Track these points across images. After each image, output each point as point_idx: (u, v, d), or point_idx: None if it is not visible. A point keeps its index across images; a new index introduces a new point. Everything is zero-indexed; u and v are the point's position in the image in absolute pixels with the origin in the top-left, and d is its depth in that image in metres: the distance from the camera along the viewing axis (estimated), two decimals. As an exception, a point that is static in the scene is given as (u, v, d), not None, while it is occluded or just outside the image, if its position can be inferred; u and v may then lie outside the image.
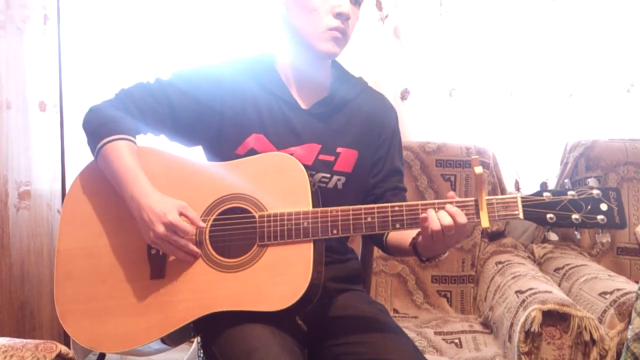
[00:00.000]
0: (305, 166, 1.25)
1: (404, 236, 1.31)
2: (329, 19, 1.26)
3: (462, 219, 1.14)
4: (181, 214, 1.21)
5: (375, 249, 1.65)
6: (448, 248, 1.20)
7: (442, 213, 1.15)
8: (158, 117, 1.32)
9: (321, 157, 1.34)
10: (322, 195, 1.27)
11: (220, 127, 1.33)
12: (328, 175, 1.35)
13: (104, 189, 1.31)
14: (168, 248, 1.21)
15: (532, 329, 1.50)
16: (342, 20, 1.27)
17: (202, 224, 1.23)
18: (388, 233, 1.39)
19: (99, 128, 1.28)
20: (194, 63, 1.39)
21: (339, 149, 1.36)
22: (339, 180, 1.35)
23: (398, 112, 1.50)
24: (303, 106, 1.36)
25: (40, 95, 2.26)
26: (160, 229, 1.18)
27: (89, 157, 1.33)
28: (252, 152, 1.31)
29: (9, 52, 2.16)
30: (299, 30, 1.30)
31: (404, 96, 2.36)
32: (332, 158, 1.35)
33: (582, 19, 2.26)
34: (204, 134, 1.35)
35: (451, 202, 1.16)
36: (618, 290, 1.64)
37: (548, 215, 1.13)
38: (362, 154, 1.38)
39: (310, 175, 1.26)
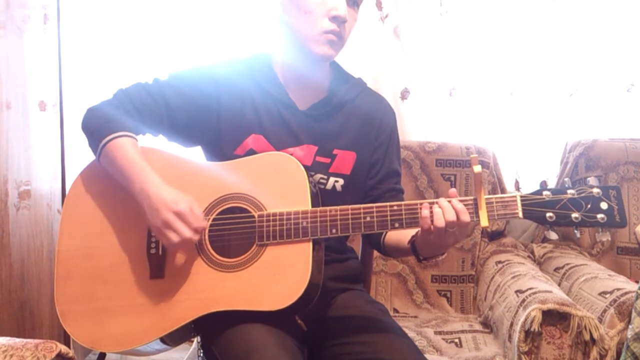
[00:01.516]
0: (305, 167, 1.24)
1: (402, 236, 1.31)
2: (325, 22, 1.25)
3: (465, 217, 1.14)
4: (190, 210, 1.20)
5: (375, 248, 1.65)
6: (446, 247, 1.19)
7: (447, 208, 1.14)
8: (156, 117, 1.32)
9: (318, 158, 1.34)
10: (321, 197, 1.27)
11: (218, 128, 1.33)
12: (325, 177, 1.35)
13: (104, 189, 1.31)
14: (171, 237, 1.17)
15: (532, 329, 1.50)
16: (338, 24, 1.26)
17: (205, 223, 1.22)
18: (386, 234, 1.39)
19: (99, 128, 1.28)
20: (192, 63, 1.39)
21: (335, 151, 1.35)
22: (336, 182, 1.35)
23: (398, 111, 1.50)
24: (300, 107, 1.35)
25: (40, 95, 2.27)
26: (169, 215, 1.16)
27: (89, 157, 1.33)
28: (251, 152, 1.31)
29: (9, 52, 2.16)
30: (295, 32, 1.29)
31: (404, 96, 2.36)
32: (328, 160, 1.35)
33: (582, 19, 2.26)
34: (202, 134, 1.35)
35: (450, 201, 1.16)
36: (618, 289, 1.64)
37: (548, 214, 1.12)
38: (360, 155, 1.38)
39: (310, 176, 1.26)
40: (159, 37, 2.38)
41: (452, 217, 1.13)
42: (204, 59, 1.44)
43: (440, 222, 1.13)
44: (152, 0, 2.37)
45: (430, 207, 1.15)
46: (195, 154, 1.39)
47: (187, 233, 1.17)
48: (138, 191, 1.22)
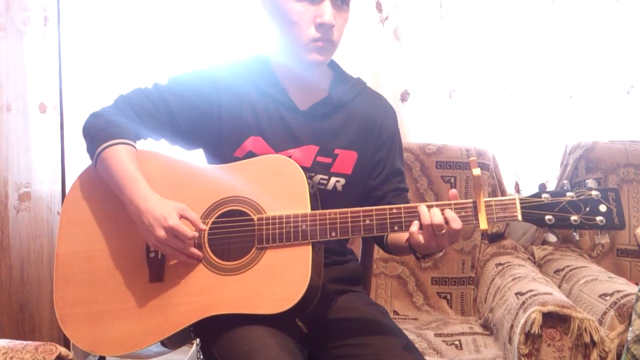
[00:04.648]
0: (304, 168, 1.24)
1: (402, 234, 1.31)
2: (311, 30, 1.24)
3: (456, 224, 1.14)
4: (182, 217, 1.21)
5: (375, 249, 1.65)
6: (442, 248, 1.19)
7: (434, 210, 1.14)
8: (157, 122, 1.32)
9: (319, 158, 1.34)
10: (322, 197, 1.26)
11: (218, 131, 1.33)
12: (326, 177, 1.35)
13: (103, 193, 1.30)
14: (170, 252, 1.22)
15: (532, 331, 1.50)
16: (326, 30, 1.25)
17: (203, 226, 1.23)
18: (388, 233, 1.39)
19: (97, 134, 1.28)
20: (191, 66, 1.39)
21: (336, 151, 1.35)
22: (337, 182, 1.35)
23: (398, 113, 1.50)
24: (301, 107, 1.35)
25: (41, 97, 2.27)
26: (161, 233, 1.18)
27: (89, 160, 1.33)
28: (250, 154, 1.31)
29: (9, 54, 2.17)
30: (285, 40, 1.29)
31: (404, 98, 2.36)
32: (329, 160, 1.35)
33: (581, 21, 2.26)
34: (203, 137, 1.35)
35: (449, 204, 1.16)
36: (618, 292, 1.64)
37: (547, 217, 1.12)
38: (361, 155, 1.38)
39: (309, 177, 1.26)
40: (159, 39, 2.38)
41: (438, 219, 1.13)
42: (204, 61, 1.44)
43: (426, 220, 1.13)
44: (152, 2, 2.38)
45: (418, 208, 1.15)
46: (196, 157, 1.40)
47: (180, 247, 1.20)
48: (128, 204, 1.23)
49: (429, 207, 1.15)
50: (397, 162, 1.45)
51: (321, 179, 1.34)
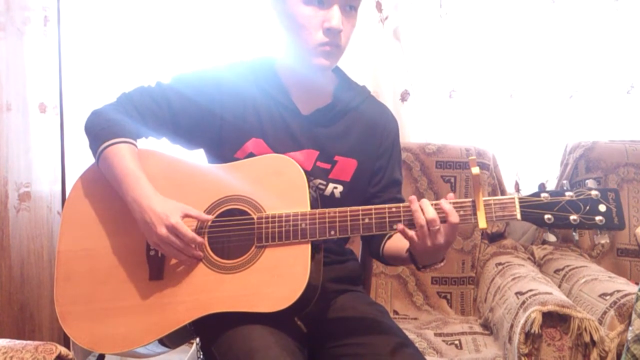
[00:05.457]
0: (305, 171, 1.24)
1: (401, 244, 1.31)
2: (319, 35, 1.24)
3: (454, 218, 1.14)
4: (185, 215, 1.21)
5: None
6: (440, 250, 1.19)
7: (425, 206, 1.14)
8: (159, 120, 1.33)
9: (319, 163, 1.34)
10: (320, 203, 1.26)
11: (220, 131, 1.34)
12: (324, 183, 1.35)
13: (105, 191, 1.31)
14: (170, 251, 1.21)
15: (532, 331, 1.50)
16: (333, 35, 1.25)
17: (208, 216, 1.23)
18: (385, 243, 1.39)
19: (100, 132, 1.29)
20: (194, 66, 1.39)
21: (336, 157, 1.35)
22: (335, 188, 1.35)
23: (398, 113, 1.50)
24: (303, 112, 1.35)
25: (41, 96, 2.27)
26: (162, 231, 1.18)
27: (90, 159, 1.33)
28: (251, 156, 1.31)
29: (9, 54, 2.16)
30: (292, 43, 1.29)
31: (404, 97, 2.36)
32: (328, 166, 1.35)
33: (581, 21, 2.26)
34: (204, 137, 1.36)
35: (449, 203, 1.16)
36: (618, 291, 1.64)
37: (546, 216, 1.12)
38: (361, 163, 1.38)
39: (309, 180, 1.26)
40: (160, 39, 2.38)
41: (431, 214, 1.13)
42: (207, 61, 1.44)
43: (420, 220, 1.13)
44: (153, 2, 2.38)
45: (412, 204, 1.15)
46: (196, 156, 1.40)
47: (180, 247, 1.20)
48: (130, 201, 1.23)
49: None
50: (396, 172, 1.45)
51: (319, 183, 1.34)
